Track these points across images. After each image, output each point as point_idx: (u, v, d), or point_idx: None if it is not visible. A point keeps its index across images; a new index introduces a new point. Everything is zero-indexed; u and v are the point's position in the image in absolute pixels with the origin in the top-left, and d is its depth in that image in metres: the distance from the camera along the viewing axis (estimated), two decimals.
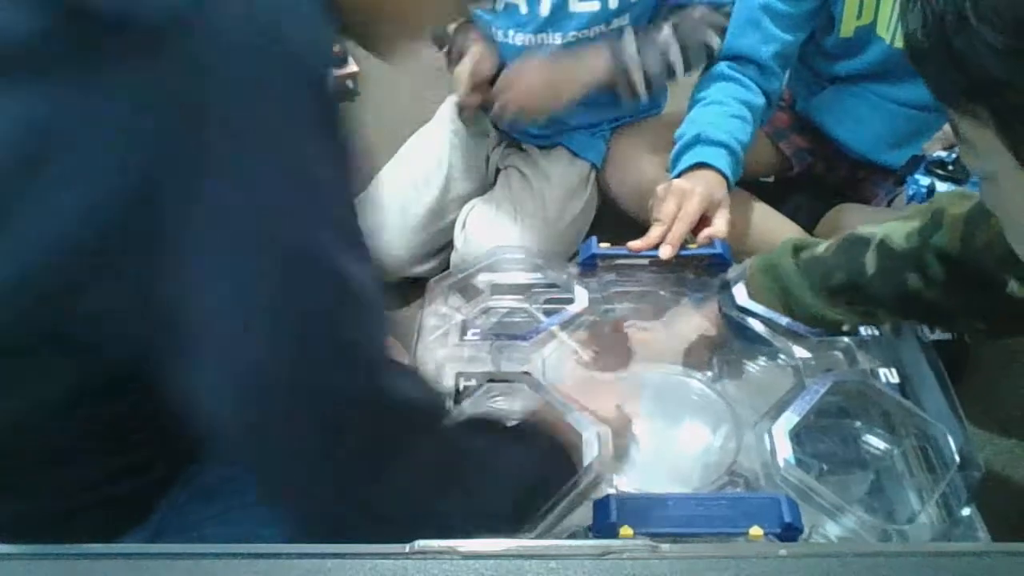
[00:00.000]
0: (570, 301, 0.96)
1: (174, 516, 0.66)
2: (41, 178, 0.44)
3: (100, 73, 0.43)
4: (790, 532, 0.67)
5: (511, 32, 1.24)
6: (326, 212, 0.49)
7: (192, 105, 0.43)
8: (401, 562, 0.31)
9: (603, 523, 0.68)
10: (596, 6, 1.20)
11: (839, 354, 0.86)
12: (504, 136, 1.42)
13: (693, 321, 0.95)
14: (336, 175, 0.50)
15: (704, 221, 1.03)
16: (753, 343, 0.90)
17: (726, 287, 0.94)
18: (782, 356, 0.88)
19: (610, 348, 0.93)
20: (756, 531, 0.66)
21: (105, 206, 0.44)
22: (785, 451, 0.73)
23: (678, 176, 1.08)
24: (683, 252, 0.99)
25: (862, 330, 0.87)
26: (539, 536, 0.69)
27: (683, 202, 1.01)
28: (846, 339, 0.86)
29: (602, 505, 0.70)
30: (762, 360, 0.91)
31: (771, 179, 1.44)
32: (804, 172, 1.38)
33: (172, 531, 0.65)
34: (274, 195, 0.46)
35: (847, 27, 1.13)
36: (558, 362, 0.91)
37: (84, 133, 0.43)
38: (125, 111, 0.43)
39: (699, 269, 1.01)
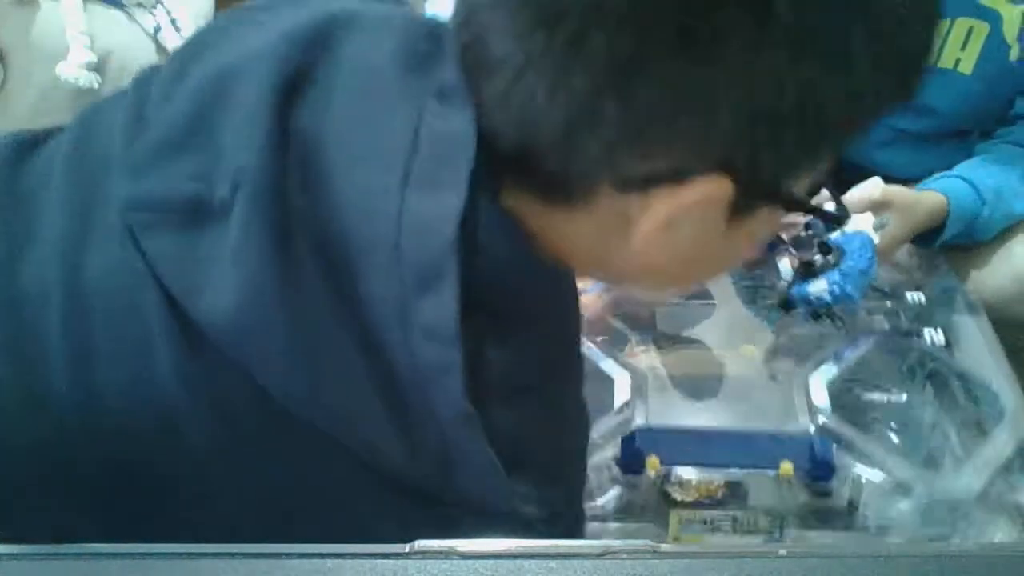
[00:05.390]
0: None
1: None
2: None
3: None
4: (822, 469, 0.65)
5: None
6: None
7: None
8: (401, 562, 0.31)
9: (629, 453, 0.67)
10: None
11: (882, 317, 0.84)
12: None
13: None
14: None
15: None
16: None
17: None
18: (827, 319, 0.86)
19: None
20: (787, 467, 0.64)
21: None
22: (821, 400, 0.72)
23: None
24: None
25: (908, 296, 0.84)
26: None
27: None
28: (888, 303, 0.84)
29: (628, 439, 0.69)
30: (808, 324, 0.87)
31: None
32: None
33: None
34: None
35: None
36: None
37: None
38: None
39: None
